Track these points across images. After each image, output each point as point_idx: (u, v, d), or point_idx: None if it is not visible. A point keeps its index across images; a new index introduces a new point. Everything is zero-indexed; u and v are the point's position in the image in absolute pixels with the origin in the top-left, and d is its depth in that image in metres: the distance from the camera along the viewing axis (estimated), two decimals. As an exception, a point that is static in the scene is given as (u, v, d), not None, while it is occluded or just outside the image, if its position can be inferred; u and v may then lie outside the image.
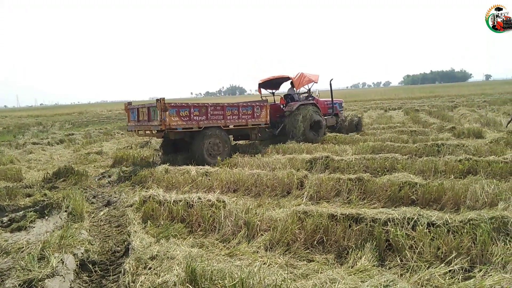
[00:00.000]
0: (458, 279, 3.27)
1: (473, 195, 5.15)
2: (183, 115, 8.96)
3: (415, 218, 4.07)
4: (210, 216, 4.81)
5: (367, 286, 2.84)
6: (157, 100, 8.60)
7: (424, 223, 3.98)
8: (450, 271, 3.39)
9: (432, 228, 3.93)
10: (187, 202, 5.13)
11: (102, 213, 5.84)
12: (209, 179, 6.80)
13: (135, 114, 9.80)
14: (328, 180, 6.12)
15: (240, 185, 6.54)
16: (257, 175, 6.69)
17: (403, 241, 3.82)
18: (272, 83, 13.73)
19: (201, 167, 7.61)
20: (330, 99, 14.15)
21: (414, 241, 3.82)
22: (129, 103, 10.33)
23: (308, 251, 4.09)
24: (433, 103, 29.03)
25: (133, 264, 3.79)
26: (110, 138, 16.35)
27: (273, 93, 14.13)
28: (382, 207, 5.15)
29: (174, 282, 3.32)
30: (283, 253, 4.06)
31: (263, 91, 13.58)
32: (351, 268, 3.65)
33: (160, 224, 4.92)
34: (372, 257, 3.77)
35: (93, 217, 5.71)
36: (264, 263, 3.83)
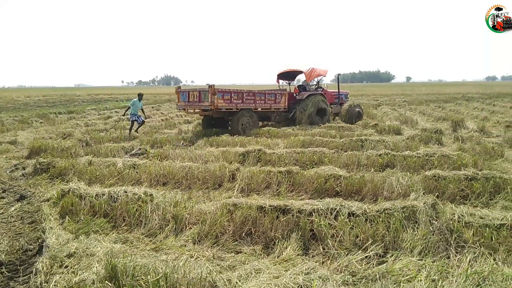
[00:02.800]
0: (373, 264, 3.53)
1: (389, 187, 5.58)
2: (226, 98, 11.68)
3: (338, 208, 4.30)
4: (136, 210, 4.62)
5: (290, 274, 2.93)
6: (209, 86, 11.24)
7: (345, 213, 4.22)
8: (366, 257, 3.65)
9: (352, 217, 4.19)
10: (111, 196, 4.87)
11: (13, 208, 5.30)
12: (137, 172, 6.51)
13: (185, 96, 12.28)
14: (259, 172, 6.21)
15: (170, 178, 6.36)
16: (189, 167, 6.56)
17: (326, 230, 4.01)
18: (288, 75, 16.06)
19: (128, 159, 7.26)
20: (337, 90, 16.55)
21: (336, 230, 4.03)
22: (179, 87, 12.97)
23: (236, 243, 4.12)
24: (360, 101, 30.90)
25: (47, 263, 3.52)
26: (26, 127, 14.86)
27: (288, 83, 16.37)
28: (309, 199, 5.37)
29: (93, 280, 3.14)
30: (211, 246, 4.04)
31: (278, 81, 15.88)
32: (277, 258, 3.75)
33: (80, 220, 4.60)
34: (297, 247, 3.91)
35: (2, 213, 5.16)
36: (192, 257, 3.77)
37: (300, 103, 14.34)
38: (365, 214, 4.20)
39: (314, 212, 4.28)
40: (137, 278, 3.04)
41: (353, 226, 4.04)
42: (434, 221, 4.01)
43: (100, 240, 4.01)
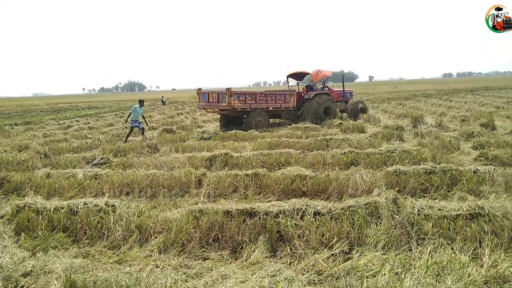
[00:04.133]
0: (339, 261, 3.58)
1: (354, 184, 5.69)
2: (241, 99, 13.47)
3: (304, 208, 4.33)
4: (98, 222, 4.44)
5: (256, 278, 2.91)
6: (227, 89, 13.21)
7: (311, 212, 4.26)
8: (332, 255, 3.70)
9: (318, 216, 4.23)
10: (71, 209, 4.65)
11: (-37, 228, 4.93)
12: (98, 183, 6.27)
13: (206, 97, 14.21)
14: (226, 177, 6.16)
15: (134, 187, 6.17)
16: (153, 175, 6.39)
17: (292, 231, 4.03)
18: (297, 76, 17.46)
19: (89, 169, 6.98)
20: (342, 89, 17.86)
21: (302, 230, 4.06)
22: (200, 89, 14.73)
23: (203, 249, 4.05)
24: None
25: (0, 284, 3.30)
26: (-21, 141, 13.99)
27: (297, 84, 17.66)
28: (276, 200, 5.38)
29: (51, 298, 2.98)
30: (177, 254, 3.96)
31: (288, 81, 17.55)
32: (245, 262, 3.73)
33: (37, 236, 4.37)
34: (265, 249, 3.91)
35: (-50, 234, 4.79)
36: (157, 266, 3.68)
37: (307, 102, 15.47)
38: (330, 212, 4.26)
39: (281, 214, 4.29)
40: (98, 293, 2.93)
41: (319, 225, 4.08)
42: (395, 216, 4.14)
43: (59, 256, 3.82)
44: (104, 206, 4.64)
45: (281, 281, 2.80)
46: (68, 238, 4.33)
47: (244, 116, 14.09)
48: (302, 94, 16.43)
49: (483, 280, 3.11)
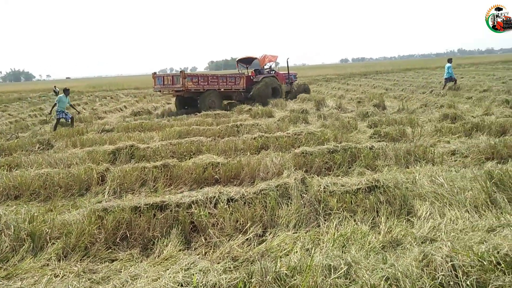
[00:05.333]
0: (254, 245, 3.61)
1: (265, 168, 5.81)
2: (195, 81, 14.55)
3: (217, 196, 4.26)
4: (-23, 234, 3.78)
5: (169, 274, 2.76)
6: (181, 71, 14.34)
7: (225, 199, 4.20)
8: (247, 239, 3.71)
9: (231, 203, 4.20)
10: None
11: None
12: (-24, 188, 5.36)
13: (161, 80, 15.00)
14: (132, 170, 5.78)
15: (23, 190, 5.41)
16: (47, 174, 5.68)
17: (206, 220, 3.94)
18: (246, 61, 19.27)
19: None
20: (287, 72, 19.42)
21: (216, 219, 3.99)
22: (155, 73, 15.63)
23: (110, 250, 3.73)
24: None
25: None
26: None
27: (247, 68, 19.33)
28: (188, 190, 5.24)
29: None
30: (80, 259, 3.57)
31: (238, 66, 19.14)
32: (157, 258, 3.54)
33: None
34: (178, 242, 3.76)
35: None
36: (56, 276, 3.29)
37: (256, 84, 16.99)
38: (243, 197, 4.26)
39: (194, 204, 4.15)
40: (-21, 318, 2.48)
41: (233, 211, 4.06)
42: (304, 195, 4.31)
43: None
44: (-17, 215, 3.96)
45: (196, 273, 2.69)
46: None
47: (198, 97, 14.90)
48: (251, 77, 17.80)
49: (381, 245, 3.42)
